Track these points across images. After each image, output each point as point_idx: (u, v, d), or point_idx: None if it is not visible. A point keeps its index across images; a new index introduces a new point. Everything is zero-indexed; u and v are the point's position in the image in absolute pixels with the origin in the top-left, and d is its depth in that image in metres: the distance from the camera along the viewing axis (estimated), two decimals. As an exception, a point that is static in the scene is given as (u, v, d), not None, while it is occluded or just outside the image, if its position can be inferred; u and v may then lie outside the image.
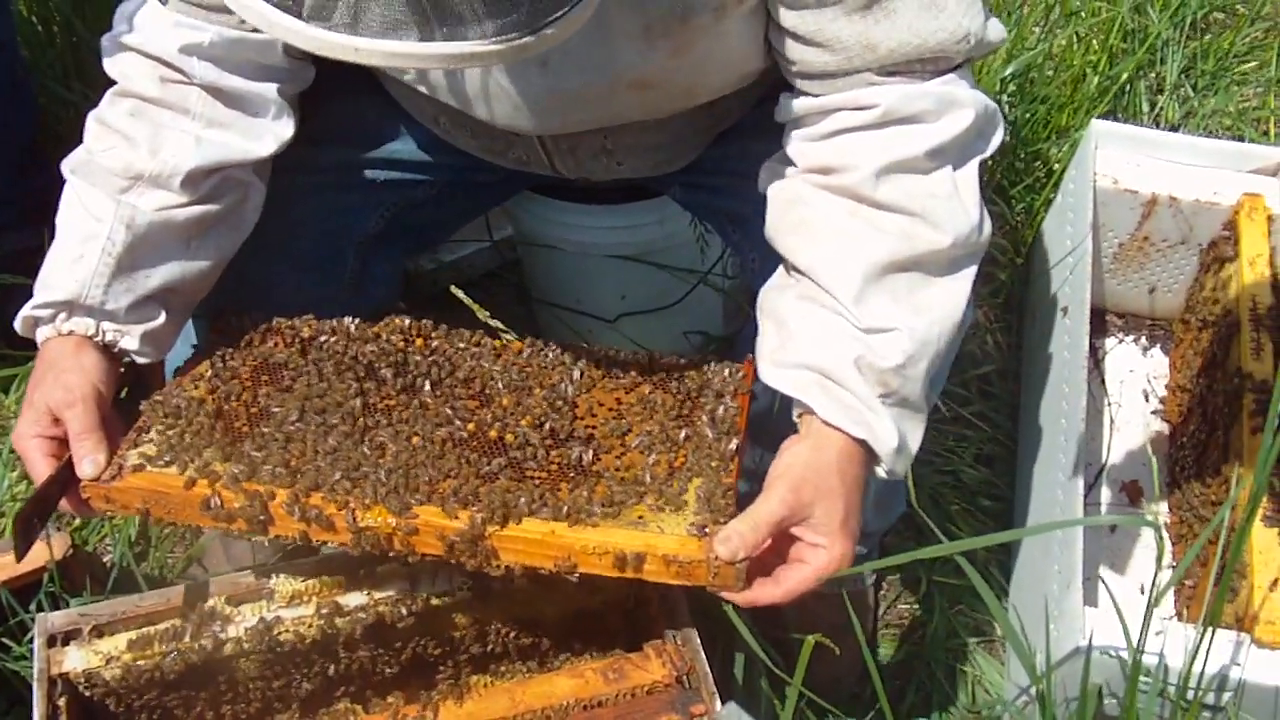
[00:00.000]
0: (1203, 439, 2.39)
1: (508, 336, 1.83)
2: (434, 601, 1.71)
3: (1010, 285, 2.81)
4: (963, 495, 2.52)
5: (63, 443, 1.62)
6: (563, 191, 2.28)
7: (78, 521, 2.33)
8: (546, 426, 1.67)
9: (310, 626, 1.68)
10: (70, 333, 1.67)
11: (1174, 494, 2.44)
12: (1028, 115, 3.01)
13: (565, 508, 1.54)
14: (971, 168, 1.62)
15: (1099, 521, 2.43)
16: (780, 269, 1.68)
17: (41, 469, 1.61)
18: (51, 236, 1.71)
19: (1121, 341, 2.74)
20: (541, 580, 1.72)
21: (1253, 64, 3.38)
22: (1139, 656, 1.64)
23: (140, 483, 1.59)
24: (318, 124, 1.84)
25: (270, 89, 1.74)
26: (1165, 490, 2.48)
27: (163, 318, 1.73)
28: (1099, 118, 2.70)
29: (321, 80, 1.82)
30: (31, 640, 1.79)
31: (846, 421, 1.55)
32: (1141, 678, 1.67)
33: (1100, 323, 2.74)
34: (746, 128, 1.87)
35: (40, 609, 1.89)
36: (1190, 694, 1.75)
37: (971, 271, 1.64)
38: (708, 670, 1.63)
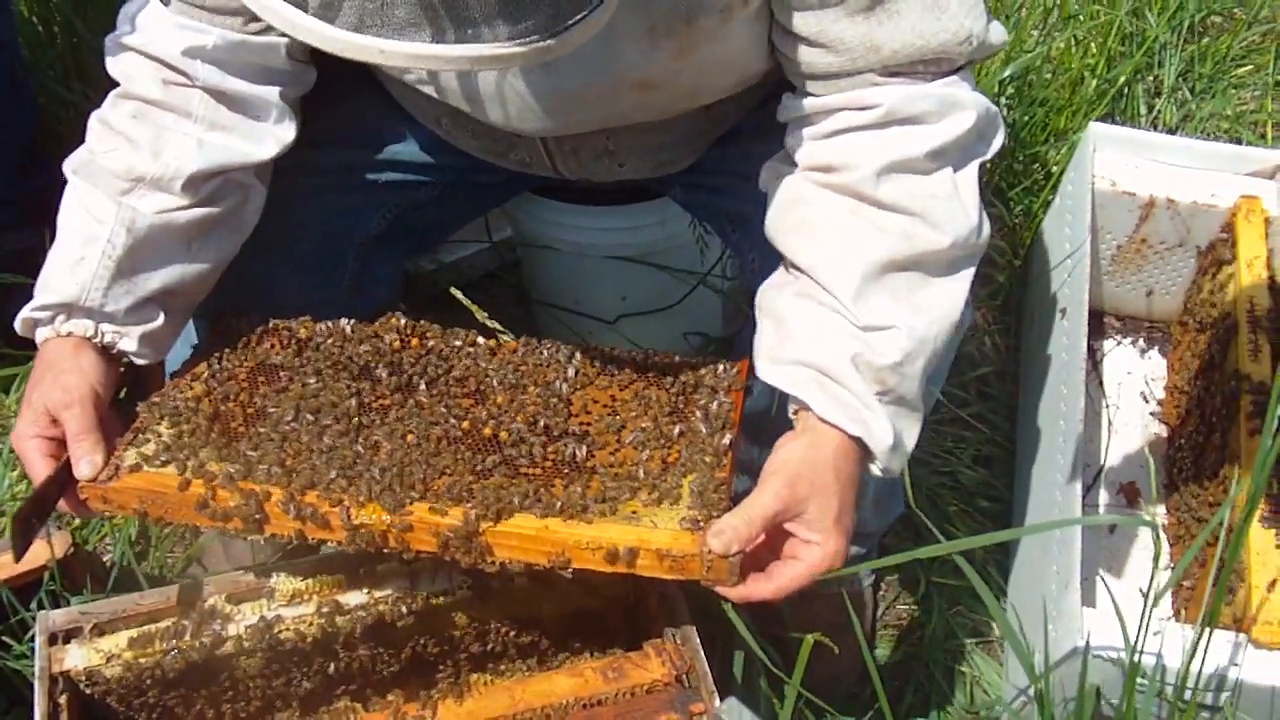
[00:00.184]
0: (1200, 441, 2.40)
1: (504, 337, 1.84)
2: (433, 600, 1.72)
3: (1009, 287, 2.82)
4: (961, 496, 2.53)
5: (61, 443, 1.63)
6: (562, 193, 2.28)
7: (78, 521, 2.33)
8: (541, 423, 1.68)
9: (310, 625, 1.69)
10: (69, 334, 1.67)
11: (1172, 495, 2.45)
12: (1026, 118, 3.02)
13: (559, 503, 1.55)
14: (972, 169, 1.63)
15: (1097, 521, 2.44)
16: (780, 267, 1.68)
17: (40, 469, 1.62)
18: (52, 236, 1.71)
19: (1119, 343, 2.75)
20: (541, 579, 1.73)
21: (1250, 67, 3.39)
22: (1137, 657, 1.64)
23: (137, 483, 1.60)
24: (319, 126, 1.85)
25: (272, 92, 1.74)
26: (1163, 492, 2.48)
27: (162, 319, 1.73)
28: (1097, 120, 2.71)
29: (322, 82, 1.82)
30: (32, 639, 1.80)
31: (843, 418, 1.55)
32: (1139, 678, 1.68)
33: (1098, 324, 2.75)
34: (748, 129, 1.87)
35: (41, 607, 1.89)
36: (1188, 694, 1.75)
37: (970, 272, 1.64)
38: (707, 669, 1.63)
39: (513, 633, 1.79)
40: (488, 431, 1.66)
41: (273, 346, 1.79)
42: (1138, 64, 3.18)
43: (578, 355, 1.78)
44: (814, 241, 1.61)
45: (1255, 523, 2.02)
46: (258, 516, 1.57)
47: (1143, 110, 3.22)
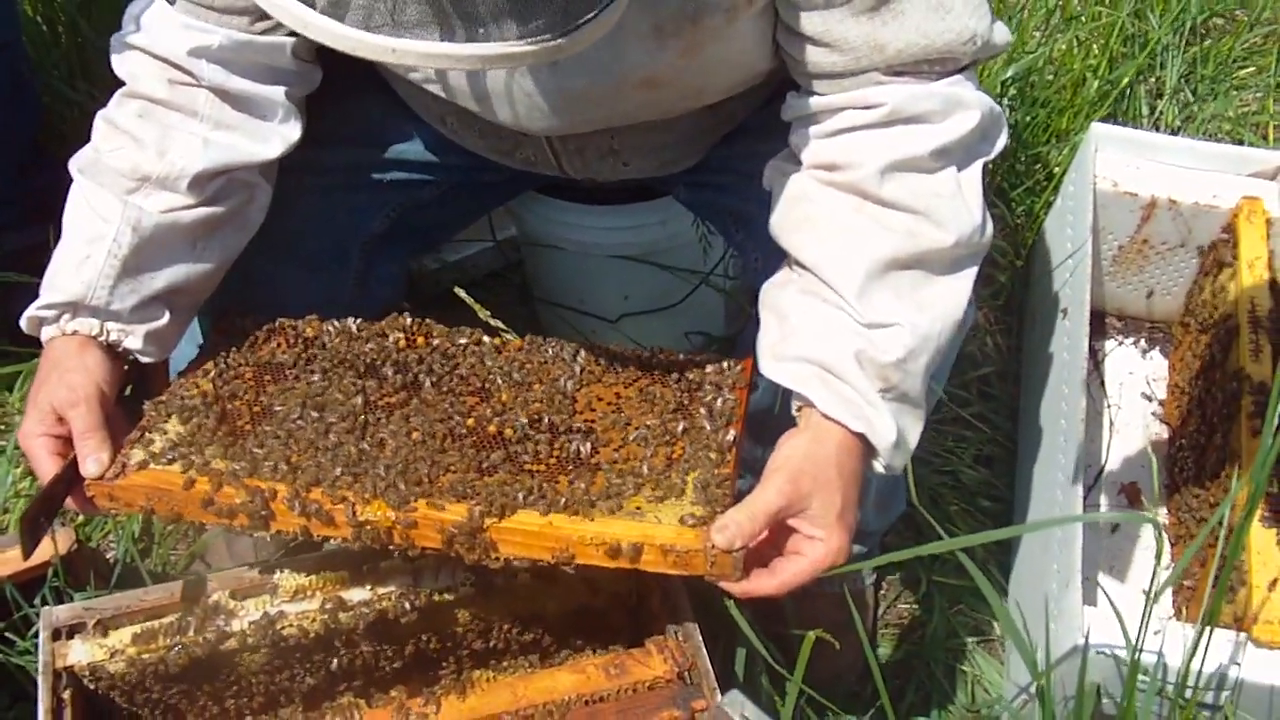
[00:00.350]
0: (1202, 441, 2.40)
1: (508, 335, 1.85)
2: (437, 597, 1.73)
3: (1010, 287, 2.82)
4: (962, 496, 2.53)
5: (68, 441, 1.63)
6: (566, 192, 2.29)
7: (82, 518, 2.33)
8: (545, 421, 1.68)
9: (314, 621, 1.70)
10: (75, 332, 1.68)
11: (1173, 496, 2.45)
12: (1028, 118, 3.02)
13: (563, 499, 1.56)
14: (975, 169, 1.63)
15: (1098, 518, 2.44)
16: (783, 265, 1.69)
17: (47, 467, 1.62)
18: (57, 235, 1.72)
19: (1121, 344, 2.75)
20: (544, 576, 1.73)
21: (1251, 69, 3.39)
22: (1137, 655, 1.65)
23: (143, 481, 1.61)
24: (324, 125, 1.85)
25: (278, 92, 1.75)
26: (1164, 492, 2.49)
27: (167, 318, 1.74)
28: (1099, 121, 2.71)
29: (328, 81, 1.83)
30: (36, 635, 1.80)
31: (846, 415, 1.56)
32: (1140, 676, 1.68)
33: (1100, 325, 2.75)
34: (752, 128, 1.88)
35: (45, 603, 1.89)
36: (1188, 693, 1.76)
37: (973, 271, 1.65)
38: (709, 666, 1.64)
39: (516, 630, 1.79)
40: (492, 429, 1.67)
41: (279, 345, 1.80)
42: (1140, 65, 3.18)
43: (582, 353, 1.79)
44: (818, 239, 1.61)
45: (1256, 522, 2.02)
46: (263, 513, 1.57)
47: (1145, 111, 3.22)
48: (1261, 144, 3.19)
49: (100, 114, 1.74)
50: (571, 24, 1.28)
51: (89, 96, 2.77)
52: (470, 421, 1.68)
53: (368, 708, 1.62)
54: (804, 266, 1.63)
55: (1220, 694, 1.84)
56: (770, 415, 1.76)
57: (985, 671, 2.33)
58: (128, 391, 1.75)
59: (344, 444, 1.63)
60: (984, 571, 2.33)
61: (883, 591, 2.43)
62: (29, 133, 2.61)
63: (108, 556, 2.29)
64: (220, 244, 1.77)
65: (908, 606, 2.42)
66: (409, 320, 1.83)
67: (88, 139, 1.73)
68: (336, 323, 1.82)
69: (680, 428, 1.67)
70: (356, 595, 1.72)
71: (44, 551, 1.88)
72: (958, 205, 1.60)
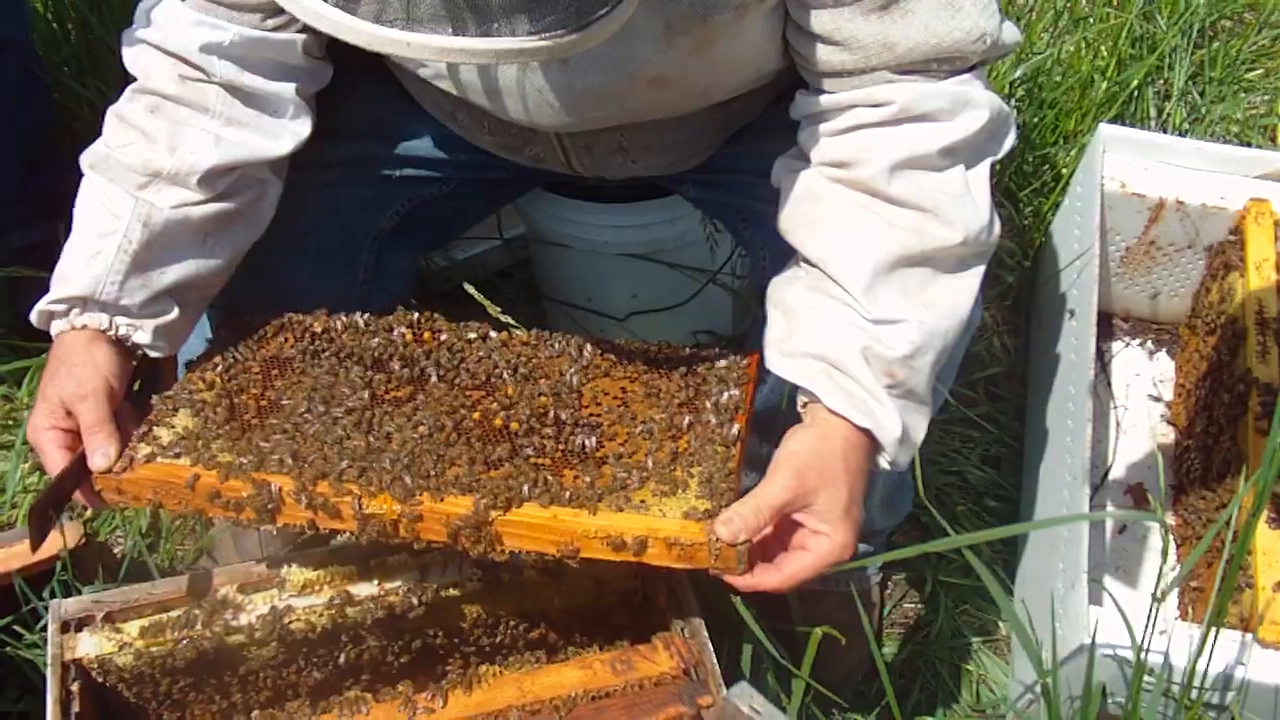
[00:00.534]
0: (1209, 443, 2.40)
1: (516, 330, 1.85)
2: (444, 592, 1.73)
3: (1017, 288, 2.82)
4: (969, 496, 2.53)
5: (76, 435, 1.64)
6: (574, 190, 2.29)
7: (90, 512, 2.34)
8: (551, 414, 1.69)
9: (321, 616, 1.70)
10: (84, 327, 1.68)
11: (1180, 497, 2.45)
12: (1036, 119, 3.03)
13: (569, 493, 1.56)
14: (984, 168, 1.63)
15: (1104, 517, 2.44)
16: (791, 262, 1.69)
17: (56, 461, 1.63)
18: (67, 231, 1.72)
19: (1128, 345, 2.75)
20: (550, 572, 1.74)
21: (1260, 71, 3.39)
22: (1143, 656, 1.65)
23: (151, 474, 1.62)
24: (334, 121, 1.86)
25: (289, 88, 1.75)
26: (1170, 493, 2.49)
27: (176, 312, 1.74)
28: (1107, 123, 2.71)
29: (338, 78, 1.83)
30: (44, 628, 1.81)
31: (852, 410, 1.56)
32: (1145, 677, 1.68)
33: (1107, 326, 2.75)
34: (760, 126, 1.88)
35: (53, 597, 1.90)
36: (1194, 693, 1.76)
37: (980, 270, 1.65)
38: (715, 662, 1.64)
39: (522, 625, 1.80)
40: (498, 422, 1.67)
41: (286, 339, 1.80)
42: (1148, 67, 3.18)
43: (589, 347, 1.80)
44: (825, 236, 1.62)
45: (1263, 524, 2.02)
46: (270, 506, 1.58)
47: (1152, 113, 3.22)
48: (1269, 146, 3.19)
49: (111, 109, 1.74)
50: (584, 20, 1.28)
51: (99, 93, 2.77)
52: (476, 415, 1.68)
53: (374, 702, 1.62)
54: (811, 263, 1.63)
55: (1226, 695, 1.84)
56: (777, 413, 1.77)
57: (990, 671, 2.33)
58: (137, 386, 1.76)
59: (350, 437, 1.64)
60: (990, 572, 2.34)
61: (888, 591, 2.43)
62: (39, 130, 2.62)
63: (115, 551, 2.30)
64: (230, 240, 1.78)
65: (913, 606, 2.43)
66: (416, 314, 1.83)
67: (98, 135, 1.74)
68: (344, 317, 1.83)
69: (686, 422, 1.68)
70: (364, 590, 1.72)
71: (52, 545, 1.88)
72: (965, 204, 1.60)
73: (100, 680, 1.67)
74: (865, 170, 1.59)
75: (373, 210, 2.00)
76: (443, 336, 1.82)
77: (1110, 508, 2.50)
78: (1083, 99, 3.10)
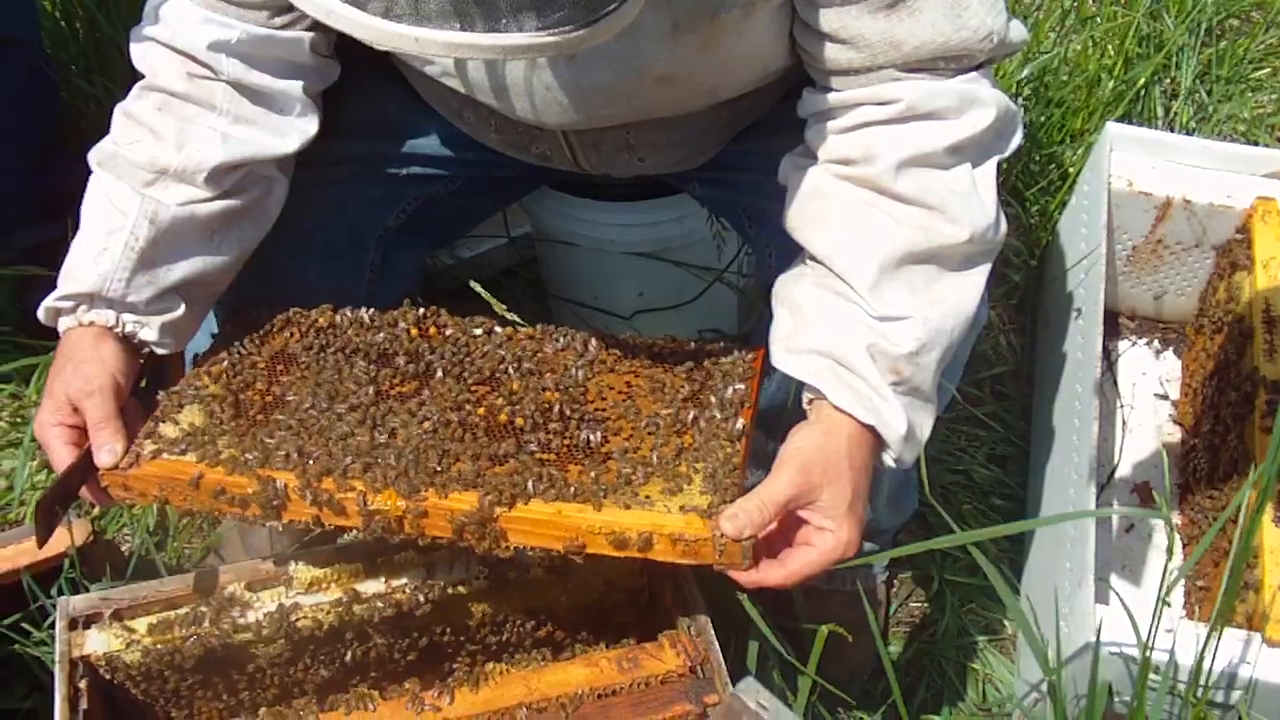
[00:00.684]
0: (1215, 442, 2.40)
1: (521, 326, 1.85)
2: (450, 590, 1.73)
3: (1024, 287, 2.82)
4: (975, 495, 2.53)
5: (83, 431, 1.64)
6: (581, 188, 2.30)
7: (97, 510, 2.35)
8: (556, 409, 1.69)
9: (328, 613, 1.71)
10: (91, 324, 1.69)
11: (1186, 497, 2.45)
12: (1043, 118, 3.02)
13: (573, 489, 1.56)
14: (990, 166, 1.64)
15: (1110, 514, 2.44)
16: (797, 259, 1.69)
17: (62, 457, 1.63)
18: (75, 228, 1.73)
19: (1134, 344, 2.75)
20: (557, 570, 1.74)
21: (1267, 70, 3.39)
22: (1149, 654, 1.65)
23: (157, 470, 1.62)
24: (341, 119, 1.86)
25: (296, 86, 1.76)
26: (1177, 493, 2.48)
27: (183, 309, 1.75)
28: (1114, 121, 2.71)
29: (345, 76, 1.84)
30: (52, 625, 1.81)
31: (857, 407, 1.57)
32: (1151, 675, 1.68)
33: (1113, 325, 2.75)
34: (767, 124, 1.88)
35: (61, 594, 1.90)
36: (1200, 692, 1.76)
37: (986, 268, 1.65)
38: (721, 660, 1.64)
39: (529, 623, 1.80)
40: (503, 418, 1.67)
41: (292, 335, 1.81)
42: (1155, 66, 3.18)
43: (594, 342, 1.80)
44: (832, 233, 1.62)
45: (1270, 523, 2.02)
46: (275, 503, 1.58)
47: (1159, 112, 3.22)
48: (1277, 145, 3.19)
49: (119, 107, 1.75)
50: (592, 16, 1.28)
51: (107, 91, 2.78)
52: (481, 410, 1.68)
53: (381, 700, 1.62)
54: (817, 260, 1.63)
55: (1232, 694, 1.84)
56: (783, 410, 1.77)
57: (996, 670, 2.33)
58: (143, 383, 1.76)
59: (356, 433, 1.64)
60: (996, 570, 2.34)
61: (894, 590, 2.43)
62: (47, 128, 2.63)
63: (123, 549, 2.30)
64: (237, 237, 1.78)
65: (919, 605, 2.43)
66: (421, 310, 1.84)
67: (106, 133, 1.74)
68: (349, 312, 1.83)
69: (691, 416, 1.68)
70: (371, 588, 1.72)
71: (60, 542, 1.89)
72: (972, 202, 1.61)
73: (108, 677, 1.68)
74: (872, 168, 1.59)
75: (379, 208, 2.00)
76: (448, 332, 1.82)
77: (1116, 506, 2.49)
78: (1090, 98, 3.10)
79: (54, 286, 1.70)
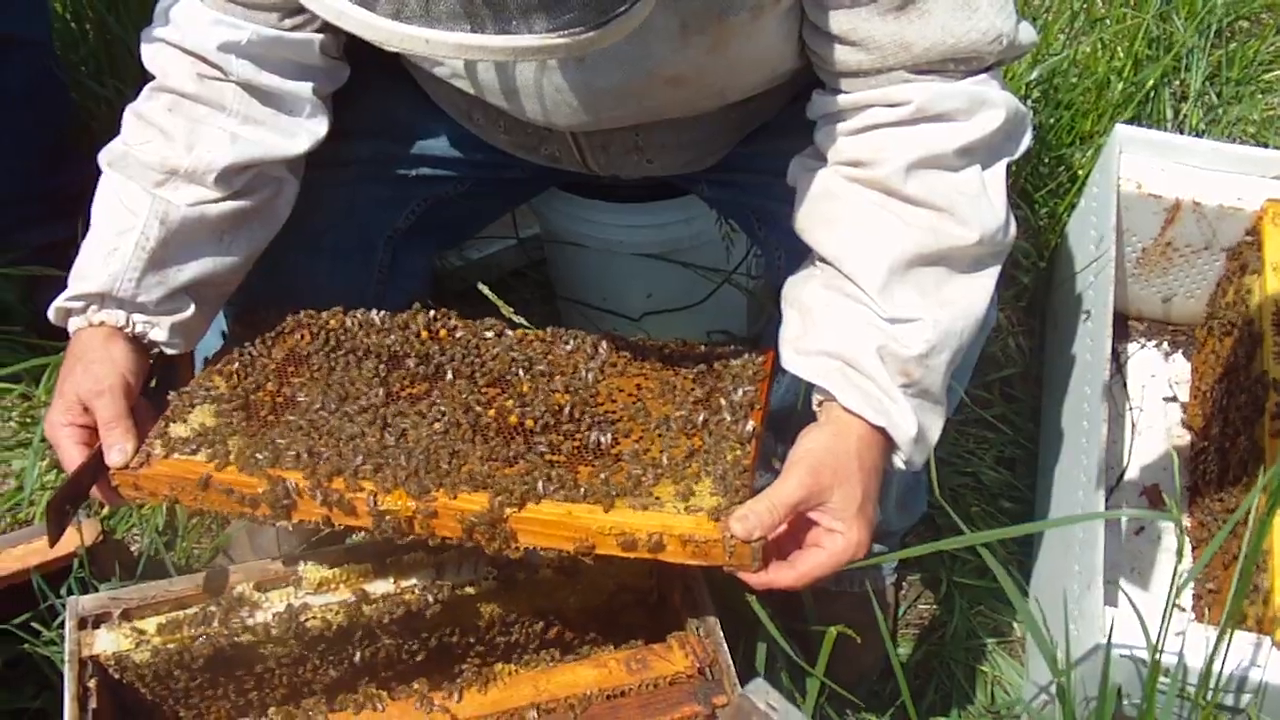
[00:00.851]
0: (1225, 445, 2.39)
1: (533, 331, 1.85)
2: (459, 591, 1.74)
3: (1033, 289, 2.82)
4: (983, 497, 2.53)
5: (93, 431, 1.65)
6: (589, 189, 2.30)
7: (106, 510, 2.35)
8: (566, 411, 1.69)
9: (337, 613, 1.71)
10: (101, 324, 1.69)
11: (1195, 500, 2.44)
12: (1052, 120, 3.02)
13: (583, 490, 1.56)
14: (1000, 168, 1.64)
15: (1119, 515, 2.43)
16: (806, 261, 1.69)
17: (73, 456, 1.64)
18: (85, 229, 1.73)
19: (1143, 346, 2.74)
20: (566, 571, 1.74)
21: (1277, 72, 3.38)
22: (1158, 656, 1.65)
23: (167, 470, 1.62)
24: (351, 120, 1.86)
25: (305, 88, 1.76)
26: (1186, 496, 2.48)
27: (193, 310, 1.75)
28: (1123, 123, 2.71)
29: (355, 77, 1.84)
30: (61, 625, 1.81)
31: (867, 409, 1.57)
32: (1160, 678, 1.68)
33: (1122, 327, 2.75)
34: (776, 126, 1.88)
35: (70, 594, 1.91)
36: (1209, 694, 1.75)
37: (995, 270, 1.65)
38: (730, 662, 1.64)
39: (538, 624, 1.80)
40: (514, 419, 1.67)
41: (302, 336, 1.81)
42: (1164, 68, 3.18)
43: (604, 344, 1.80)
44: (841, 234, 1.62)
45: (1278, 524, 2.01)
46: (285, 503, 1.59)
47: (1169, 114, 3.21)
48: (1287, 147, 3.18)
49: (130, 107, 1.75)
50: (602, 18, 1.29)
51: (117, 92, 2.79)
52: (492, 412, 1.69)
53: (390, 699, 1.62)
54: (827, 262, 1.63)
55: (1241, 697, 1.83)
56: (793, 412, 1.77)
57: (1005, 672, 2.33)
58: (153, 383, 1.77)
59: (366, 434, 1.64)
60: (1005, 572, 2.34)
61: (903, 592, 2.43)
62: (57, 129, 2.63)
63: (132, 549, 2.30)
64: (247, 237, 1.79)
65: (928, 607, 2.42)
66: (432, 312, 1.84)
67: (116, 134, 1.75)
68: (360, 314, 1.83)
69: (701, 418, 1.68)
70: (380, 588, 1.73)
71: (70, 542, 1.89)
72: (981, 203, 1.61)
73: (117, 677, 1.68)
74: (881, 169, 1.59)
75: (388, 209, 2.01)
76: (458, 333, 1.82)
77: (1125, 509, 2.49)
78: (1099, 100, 3.09)
79: (64, 287, 1.70)
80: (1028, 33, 1.62)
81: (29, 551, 1.92)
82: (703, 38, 1.59)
